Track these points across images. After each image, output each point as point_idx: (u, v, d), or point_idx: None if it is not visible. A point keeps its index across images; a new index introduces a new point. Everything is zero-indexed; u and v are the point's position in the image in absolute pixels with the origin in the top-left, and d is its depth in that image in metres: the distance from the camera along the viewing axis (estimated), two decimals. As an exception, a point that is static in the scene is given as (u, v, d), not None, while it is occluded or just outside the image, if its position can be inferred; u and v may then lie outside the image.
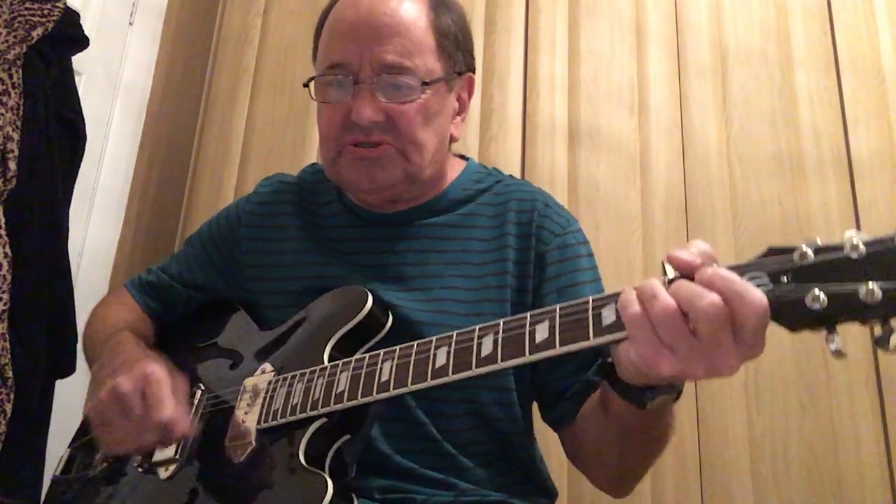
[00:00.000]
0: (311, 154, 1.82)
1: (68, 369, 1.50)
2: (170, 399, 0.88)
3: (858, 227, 1.79)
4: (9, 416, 1.37)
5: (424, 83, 0.96)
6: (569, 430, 0.99)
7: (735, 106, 1.90)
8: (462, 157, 1.15)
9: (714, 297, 0.61)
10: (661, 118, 1.89)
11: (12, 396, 1.38)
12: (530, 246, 1.00)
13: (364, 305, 0.92)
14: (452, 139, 1.07)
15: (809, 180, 1.84)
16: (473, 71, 1.08)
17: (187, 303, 1.18)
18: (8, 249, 1.41)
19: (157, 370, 0.89)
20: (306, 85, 1.01)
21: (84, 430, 1.12)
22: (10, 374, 1.38)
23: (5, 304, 1.39)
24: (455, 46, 1.02)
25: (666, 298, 0.63)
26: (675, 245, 1.86)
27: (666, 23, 1.97)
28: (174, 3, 2.24)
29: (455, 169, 1.10)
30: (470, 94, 1.08)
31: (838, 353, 0.60)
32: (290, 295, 1.03)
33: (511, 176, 1.14)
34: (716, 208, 1.82)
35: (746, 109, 1.90)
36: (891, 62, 1.93)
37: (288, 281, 1.05)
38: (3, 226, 1.41)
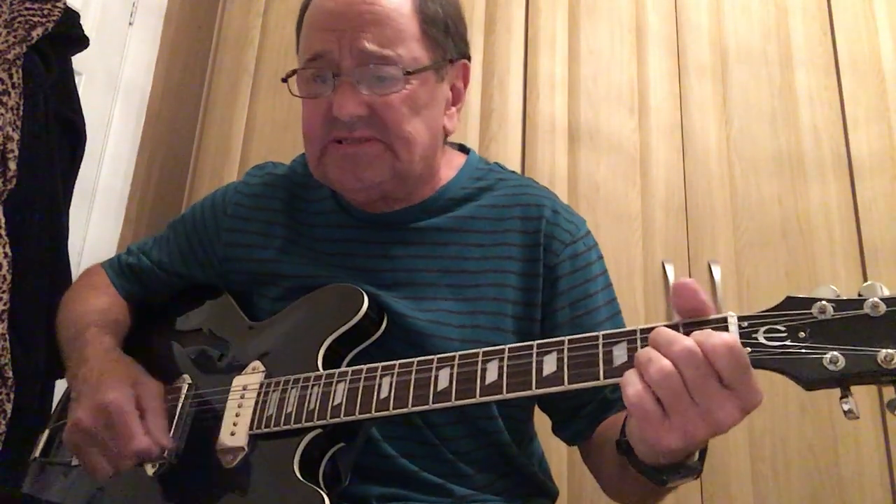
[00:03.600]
0: (311, 154, 1.82)
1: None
2: (137, 427, 0.86)
3: (858, 227, 1.79)
4: (9, 416, 1.37)
5: (408, 73, 0.91)
6: (584, 446, 0.97)
7: (735, 106, 1.90)
8: (462, 147, 1.10)
9: (687, 341, 0.62)
10: (661, 118, 1.89)
11: (12, 396, 1.38)
12: (538, 257, 0.96)
13: (360, 307, 0.90)
14: (447, 131, 1.01)
15: (809, 180, 1.84)
16: (468, 58, 1.02)
17: (168, 287, 1.14)
18: (8, 249, 1.41)
19: (116, 397, 0.87)
20: (285, 80, 0.97)
21: (63, 409, 1.09)
22: (10, 374, 1.38)
23: (5, 304, 1.39)
24: (444, 33, 0.96)
25: (660, 359, 0.63)
26: (675, 245, 1.87)
27: (666, 23, 1.97)
28: (174, 3, 2.24)
29: (454, 164, 1.05)
30: (465, 83, 1.02)
31: (850, 414, 0.60)
32: (278, 288, 1.00)
33: (514, 172, 1.09)
34: (716, 208, 1.82)
35: (746, 109, 1.90)
36: (891, 62, 1.93)
37: (273, 277, 1.02)
38: (3, 226, 1.41)
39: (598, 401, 0.93)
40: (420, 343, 0.92)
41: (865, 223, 1.80)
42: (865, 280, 1.75)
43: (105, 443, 0.86)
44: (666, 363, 0.62)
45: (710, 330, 0.64)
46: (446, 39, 0.97)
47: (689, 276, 1.76)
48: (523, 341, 0.93)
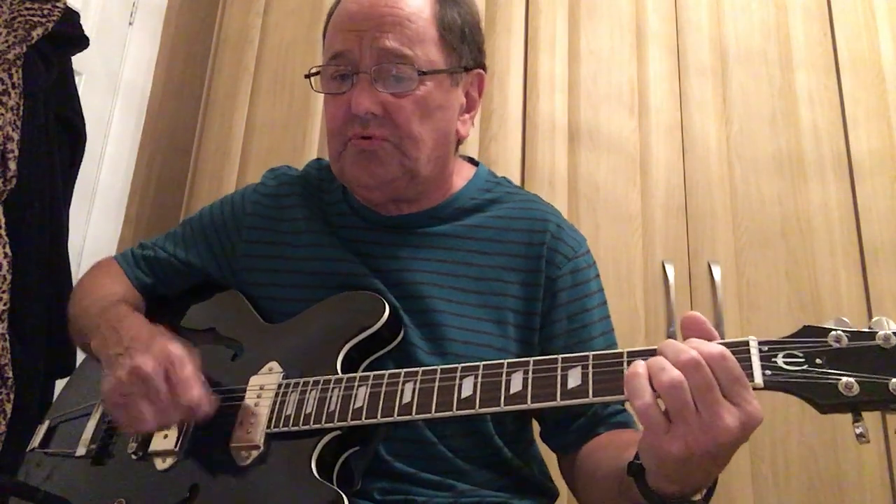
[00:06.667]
0: (312, 154, 1.82)
1: (68, 369, 1.50)
2: (195, 380, 0.86)
3: (858, 227, 1.79)
4: (9, 416, 1.37)
5: (422, 73, 0.95)
6: (568, 459, 0.99)
7: (735, 106, 1.91)
8: (471, 160, 1.14)
9: (692, 352, 0.67)
10: (661, 118, 1.89)
11: (12, 396, 1.38)
12: (540, 268, 0.99)
13: (381, 315, 0.92)
14: (460, 136, 1.04)
15: (809, 180, 1.84)
16: (484, 68, 1.06)
17: (182, 278, 1.15)
18: (8, 249, 1.41)
19: (178, 349, 0.88)
20: (308, 76, 1.01)
21: (64, 403, 1.10)
22: (10, 374, 1.38)
23: (5, 304, 1.40)
24: (460, 40, 1.00)
25: (672, 369, 0.67)
26: (675, 245, 1.86)
27: (666, 23, 1.97)
28: (174, 3, 2.24)
29: (464, 174, 1.09)
30: (480, 92, 1.07)
31: (862, 438, 0.65)
32: (298, 289, 1.02)
33: (521, 188, 1.13)
34: (716, 208, 1.82)
35: (746, 109, 1.90)
36: (891, 62, 1.93)
37: (298, 275, 1.03)
38: (3, 226, 1.41)
39: (590, 415, 0.96)
40: (418, 345, 0.94)
41: (865, 223, 1.80)
42: (866, 280, 1.75)
43: (159, 392, 0.85)
44: (676, 373, 0.66)
45: (702, 339, 0.69)
46: (462, 46, 1.01)
47: (689, 277, 1.76)
48: (524, 348, 0.97)
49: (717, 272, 1.74)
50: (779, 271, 1.77)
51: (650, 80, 1.91)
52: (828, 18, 1.97)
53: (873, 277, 1.75)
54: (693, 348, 0.67)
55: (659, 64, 1.93)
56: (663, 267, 1.75)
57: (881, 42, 1.95)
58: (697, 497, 0.73)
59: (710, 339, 0.70)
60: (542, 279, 0.99)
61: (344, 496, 0.78)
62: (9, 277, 1.40)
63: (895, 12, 1.98)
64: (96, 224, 1.92)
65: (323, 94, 1.01)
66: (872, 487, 1.60)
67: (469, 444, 0.95)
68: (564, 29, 1.94)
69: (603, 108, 1.88)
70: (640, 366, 0.69)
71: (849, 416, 0.66)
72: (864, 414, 0.66)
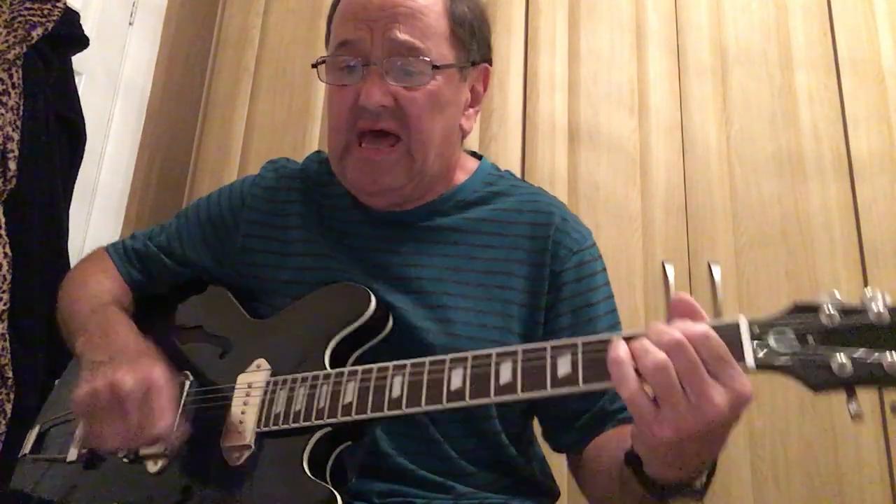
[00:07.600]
0: (311, 154, 1.82)
1: (68, 369, 1.50)
2: (169, 412, 0.84)
3: (858, 227, 1.79)
4: (9, 416, 1.37)
5: (435, 67, 0.93)
6: (575, 457, 0.97)
7: (735, 106, 1.90)
8: (474, 154, 1.12)
9: (676, 332, 0.65)
10: (661, 118, 1.89)
11: (12, 396, 1.38)
12: (544, 262, 0.98)
13: (367, 307, 0.90)
14: (463, 132, 1.03)
15: (809, 180, 1.84)
16: (490, 62, 1.05)
17: (173, 277, 1.13)
18: (8, 249, 1.41)
19: (161, 376, 0.85)
20: (315, 66, 0.98)
21: (54, 406, 1.09)
22: (10, 374, 1.38)
23: (5, 304, 1.39)
24: (470, 35, 0.99)
25: (656, 351, 0.65)
26: (675, 245, 1.86)
27: (666, 23, 1.97)
28: (174, 3, 2.24)
29: (467, 168, 1.07)
30: (485, 87, 1.05)
31: (857, 417, 0.62)
32: (294, 285, 1.00)
33: (525, 181, 1.11)
34: (716, 208, 1.82)
35: (746, 109, 1.90)
36: (891, 62, 1.93)
37: (290, 270, 1.02)
38: (3, 226, 1.41)
39: (595, 412, 0.94)
40: (424, 339, 0.93)
41: (865, 223, 1.80)
42: (866, 280, 1.75)
43: (129, 416, 0.83)
44: (660, 356, 0.64)
45: (689, 320, 0.66)
46: (471, 41, 0.99)
47: (689, 277, 1.76)
48: (528, 343, 0.94)
49: (717, 272, 1.74)
50: (779, 271, 1.77)
51: (650, 80, 1.91)
52: (828, 18, 1.97)
53: (873, 277, 1.75)
54: (676, 329, 0.65)
55: (659, 64, 1.93)
56: (663, 267, 1.75)
57: (881, 42, 1.95)
58: (697, 483, 0.72)
59: (697, 319, 0.68)
60: (547, 273, 0.97)
61: (337, 495, 0.77)
62: (9, 277, 1.40)
63: (895, 12, 1.98)
64: (96, 224, 1.91)
65: (326, 87, 0.98)
66: (872, 487, 1.60)
67: (474, 444, 0.94)
68: (564, 29, 1.94)
69: (603, 108, 1.88)
70: (621, 350, 0.66)
71: (848, 419, 0.64)
72: (864, 415, 0.64)
